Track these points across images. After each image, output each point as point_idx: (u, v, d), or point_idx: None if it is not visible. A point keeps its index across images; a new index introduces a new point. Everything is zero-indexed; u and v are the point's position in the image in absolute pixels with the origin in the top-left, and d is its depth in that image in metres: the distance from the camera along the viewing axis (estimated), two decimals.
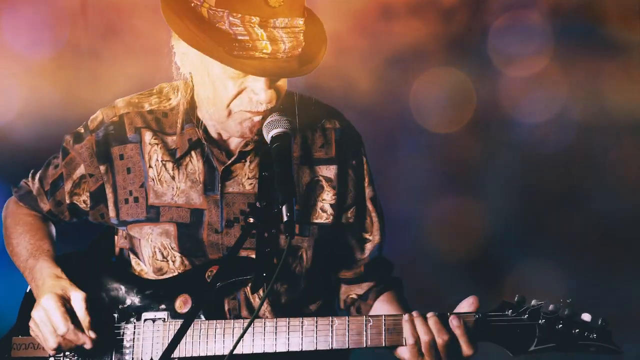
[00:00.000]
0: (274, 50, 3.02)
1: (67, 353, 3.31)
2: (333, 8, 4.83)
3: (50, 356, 3.32)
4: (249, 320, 3.08)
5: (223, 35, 3.00)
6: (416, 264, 4.80)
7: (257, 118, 3.15)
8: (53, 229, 3.52)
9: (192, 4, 3.04)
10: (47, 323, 3.19)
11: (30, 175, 3.54)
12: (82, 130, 3.40)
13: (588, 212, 4.92)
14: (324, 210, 3.31)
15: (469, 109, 4.97)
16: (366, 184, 3.38)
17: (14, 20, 4.79)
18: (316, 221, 3.31)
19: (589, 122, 4.88)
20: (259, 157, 3.28)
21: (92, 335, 3.20)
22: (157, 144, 3.32)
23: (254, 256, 3.23)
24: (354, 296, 3.43)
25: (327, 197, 3.32)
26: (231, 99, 3.12)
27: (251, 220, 3.13)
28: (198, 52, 3.06)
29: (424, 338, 3.04)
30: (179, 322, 3.19)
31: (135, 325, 3.26)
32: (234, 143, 3.29)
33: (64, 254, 3.44)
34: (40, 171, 3.50)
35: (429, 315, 3.07)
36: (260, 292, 3.23)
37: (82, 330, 3.20)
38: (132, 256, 3.38)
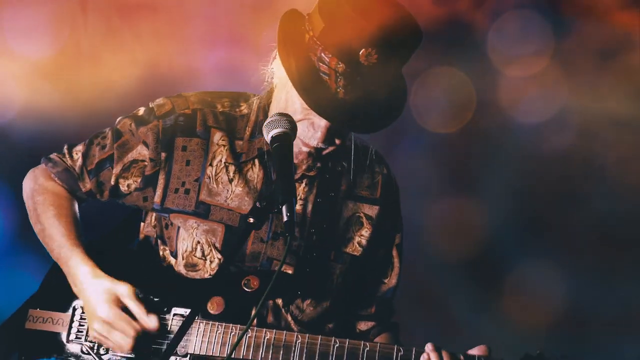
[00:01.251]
0: (345, 100, 3.16)
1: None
2: None
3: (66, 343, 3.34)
4: (274, 330, 3.24)
5: (309, 64, 3.16)
6: (416, 264, 4.80)
7: (305, 149, 3.30)
8: (78, 212, 3.49)
9: (303, 27, 3.20)
10: (114, 332, 3.24)
11: (65, 150, 3.49)
12: (146, 115, 3.43)
13: (588, 212, 4.92)
14: (360, 245, 3.48)
15: (469, 109, 4.97)
16: (397, 231, 3.59)
17: (14, 20, 4.79)
18: (351, 252, 3.46)
19: (589, 122, 4.88)
20: (317, 184, 3.41)
21: (153, 319, 3.25)
22: (225, 146, 3.40)
23: (291, 272, 3.35)
24: (357, 331, 3.58)
25: (365, 234, 3.48)
26: (295, 120, 3.20)
27: (251, 220, 3.14)
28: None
29: None
30: (209, 322, 3.27)
31: (165, 318, 3.30)
32: (299, 162, 3.39)
33: (89, 242, 3.42)
34: (80, 149, 3.47)
35: (444, 353, 3.20)
36: (290, 307, 3.38)
37: (144, 320, 3.25)
38: (160, 244, 3.42)
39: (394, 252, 3.57)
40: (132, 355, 3.30)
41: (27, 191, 3.51)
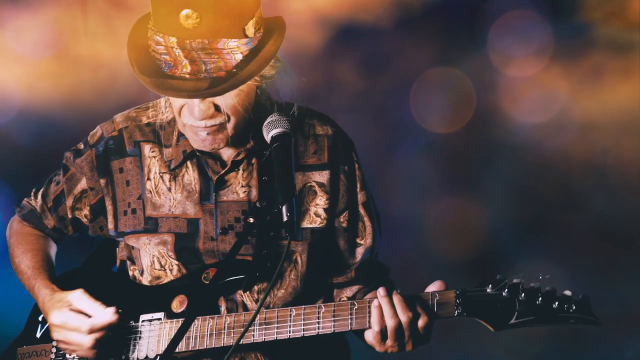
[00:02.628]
0: (194, 71, 3.06)
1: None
2: (334, 8, 4.83)
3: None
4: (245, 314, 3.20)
5: (150, 57, 3.10)
6: (416, 264, 4.80)
7: (203, 134, 3.19)
8: (53, 248, 3.57)
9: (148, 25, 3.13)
10: (69, 333, 3.25)
11: (32, 194, 3.58)
12: (82, 146, 3.47)
13: (588, 212, 4.92)
14: (317, 215, 3.36)
15: (469, 109, 4.97)
16: (358, 189, 3.41)
17: (15, 20, 4.79)
18: (310, 226, 3.35)
19: (589, 122, 4.88)
20: (256, 163, 3.32)
21: (109, 311, 3.24)
22: (155, 157, 3.38)
23: (250, 259, 3.28)
24: (344, 299, 3.46)
25: (321, 202, 3.36)
26: (178, 111, 3.20)
27: (251, 220, 3.14)
28: None
29: (389, 322, 3.10)
30: (175, 321, 3.27)
31: (132, 327, 3.31)
32: (227, 153, 3.33)
33: (63, 273, 3.50)
34: (42, 189, 3.55)
35: (395, 295, 3.12)
36: (255, 292, 3.29)
37: (99, 314, 3.25)
38: (131, 266, 3.43)
39: (362, 211, 3.41)
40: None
41: (7, 238, 3.61)
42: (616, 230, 4.90)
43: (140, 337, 3.29)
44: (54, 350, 3.39)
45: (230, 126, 3.20)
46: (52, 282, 3.40)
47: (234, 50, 3.09)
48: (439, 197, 4.98)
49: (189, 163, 3.34)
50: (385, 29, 4.95)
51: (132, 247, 3.39)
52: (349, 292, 3.44)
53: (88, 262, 3.58)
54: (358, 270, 3.44)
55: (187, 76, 3.07)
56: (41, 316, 3.45)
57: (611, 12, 4.89)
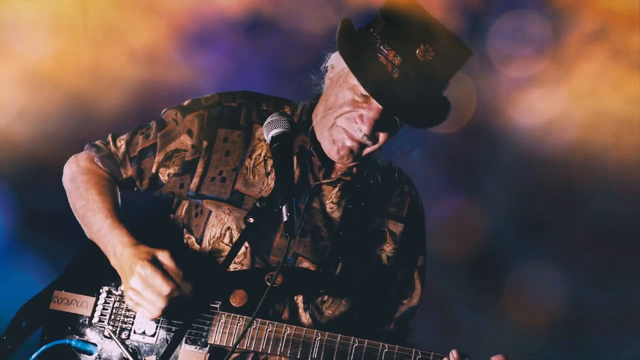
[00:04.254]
0: (397, 94, 3.27)
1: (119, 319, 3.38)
2: (335, 8, 4.83)
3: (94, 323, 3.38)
4: (291, 325, 3.30)
5: (370, 54, 3.27)
6: None
7: (349, 143, 3.36)
8: (119, 195, 3.55)
9: (364, 25, 3.34)
10: (149, 289, 3.25)
11: (110, 138, 3.56)
12: (192, 105, 3.51)
13: (588, 212, 4.92)
14: (380, 259, 3.53)
15: (469, 109, 4.96)
16: (419, 253, 3.65)
17: (15, 21, 4.79)
18: (373, 263, 3.52)
19: (589, 122, 4.88)
20: (351, 190, 3.48)
21: (189, 285, 3.27)
22: (266, 141, 3.40)
23: (314, 269, 3.40)
24: None
25: (387, 250, 3.54)
26: (342, 113, 3.33)
27: (251, 220, 3.15)
28: (342, 68, 3.35)
29: None
30: (229, 315, 3.30)
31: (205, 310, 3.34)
32: (337, 166, 3.46)
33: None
34: (125, 137, 3.54)
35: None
36: (310, 307, 3.42)
37: (180, 282, 3.28)
38: (186, 233, 3.46)
39: (415, 274, 3.63)
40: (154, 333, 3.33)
41: (68, 174, 3.56)
42: (616, 230, 4.90)
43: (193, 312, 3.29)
44: (99, 305, 3.37)
45: (367, 150, 3.40)
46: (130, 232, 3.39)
47: (428, 92, 3.36)
48: (439, 197, 4.98)
49: (295, 159, 3.42)
50: None
51: (196, 215, 3.43)
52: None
53: (143, 225, 3.57)
54: (397, 325, 3.61)
55: (387, 91, 3.27)
56: (104, 287, 3.42)
57: (611, 12, 4.89)
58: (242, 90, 3.55)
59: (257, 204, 3.14)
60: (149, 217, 3.62)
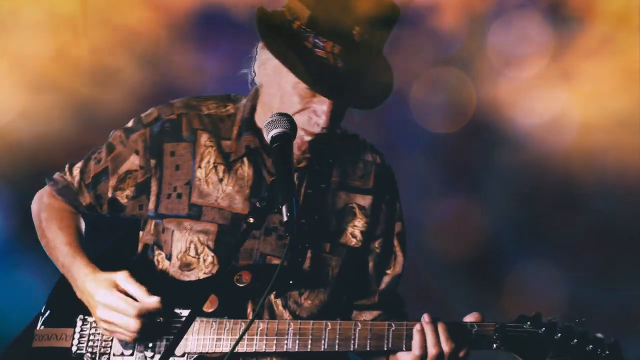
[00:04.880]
0: (346, 81, 3.22)
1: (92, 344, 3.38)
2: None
3: (72, 345, 3.39)
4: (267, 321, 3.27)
5: (305, 51, 3.22)
6: (416, 264, 4.79)
7: (307, 138, 3.32)
8: (83, 225, 3.58)
9: (285, 19, 3.26)
10: (117, 314, 3.27)
11: (66, 169, 3.58)
12: (134, 124, 3.50)
13: (588, 212, 4.92)
14: (353, 236, 3.47)
15: (469, 109, 4.97)
16: (395, 219, 3.57)
17: (15, 20, 4.79)
18: (345, 243, 3.45)
19: (589, 122, 4.88)
20: (308, 175, 3.43)
21: (155, 299, 3.28)
22: (212, 147, 3.43)
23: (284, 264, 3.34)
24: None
25: (359, 224, 3.47)
26: (293, 113, 3.24)
27: (251, 220, 3.14)
28: (276, 64, 3.27)
29: (431, 349, 3.18)
30: (203, 320, 3.29)
31: (174, 320, 3.34)
32: (300, 153, 3.40)
33: (91, 256, 3.49)
34: (79, 165, 3.56)
35: (439, 324, 3.20)
36: (277, 299, 3.37)
37: (145, 300, 3.28)
38: (156, 251, 3.45)
39: (395, 242, 3.56)
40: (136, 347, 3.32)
41: (34, 212, 3.62)
42: (616, 230, 4.90)
43: (168, 327, 3.32)
44: (76, 336, 3.40)
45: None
46: (92, 263, 3.40)
47: (373, 68, 3.30)
48: (439, 197, 4.98)
49: (245, 159, 3.40)
50: None
51: (163, 231, 3.42)
52: (369, 315, 3.53)
53: (113, 247, 3.58)
54: (382, 296, 3.54)
55: (340, 84, 3.22)
56: (42, 308, 3.45)
57: (611, 12, 4.89)
58: (180, 99, 3.52)
59: (257, 204, 3.14)
60: (121, 237, 3.61)
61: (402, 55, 4.97)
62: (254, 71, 3.38)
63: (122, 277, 3.31)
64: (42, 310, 3.50)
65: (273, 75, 3.32)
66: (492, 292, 4.88)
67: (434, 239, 4.93)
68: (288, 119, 3.18)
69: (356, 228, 3.47)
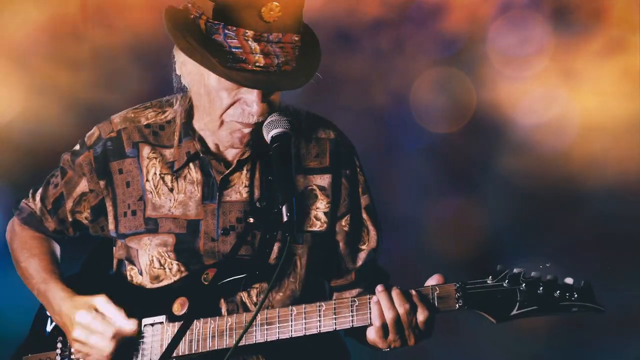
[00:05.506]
0: (267, 64, 3.09)
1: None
2: (333, 8, 4.83)
3: None
4: (245, 315, 3.19)
5: (218, 47, 3.09)
6: (416, 264, 4.80)
7: (247, 130, 3.21)
8: (57, 249, 3.57)
9: (192, 16, 3.13)
10: (93, 335, 3.25)
11: (30, 195, 3.57)
12: (79, 147, 3.47)
13: (588, 212, 4.92)
14: (317, 219, 3.36)
15: (469, 109, 4.97)
16: (360, 193, 3.43)
17: (15, 21, 4.79)
18: (310, 229, 3.35)
19: (589, 122, 4.88)
20: (259, 163, 3.32)
21: (132, 322, 3.26)
22: (156, 158, 3.37)
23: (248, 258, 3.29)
24: None
25: (321, 206, 3.36)
26: (224, 109, 3.18)
27: (251, 220, 3.14)
28: (195, 63, 3.14)
29: (387, 314, 3.09)
30: (177, 324, 3.25)
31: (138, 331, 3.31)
32: (231, 153, 3.33)
33: (69, 276, 3.50)
34: (40, 191, 3.54)
35: (393, 289, 3.11)
36: (254, 293, 3.29)
37: (122, 322, 3.27)
38: (129, 266, 3.42)
39: (364, 215, 3.42)
40: None
41: (8, 241, 3.61)
42: (616, 230, 4.90)
43: (143, 342, 3.29)
44: (57, 358, 3.40)
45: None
46: (65, 284, 3.39)
47: (296, 44, 3.15)
48: (439, 197, 4.98)
49: (191, 164, 3.34)
50: (385, 28, 4.95)
51: (131, 247, 3.39)
52: (349, 295, 3.42)
53: (86, 265, 3.58)
54: (359, 273, 3.43)
55: (259, 70, 3.10)
56: (49, 323, 3.46)
57: (611, 12, 4.89)
58: (118, 114, 3.44)
59: (257, 204, 3.13)
60: (95, 252, 3.59)
61: (402, 55, 4.97)
62: (176, 73, 3.28)
63: (101, 300, 3.29)
64: (28, 337, 3.50)
65: (195, 75, 3.21)
66: None
67: (434, 239, 4.93)
68: (288, 119, 3.17)
69: (319, 210, 3.35)
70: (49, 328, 3.45)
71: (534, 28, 4.90)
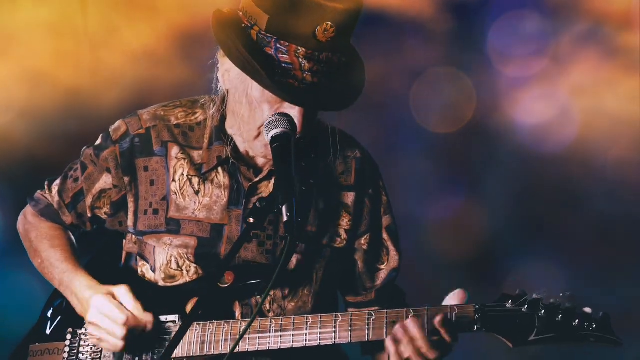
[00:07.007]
0: (314, 82, 3.12)
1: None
2: None
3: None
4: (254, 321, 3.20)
5: (268, 59, 3.10)
6: (416, 264, 4.80)
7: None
8: (74, 239, 3.56)
9: (243, 25, 3.14)
10: (106, 319, 3.26)
11: (45, 186, 3.56)
12: (102, 141, 3.45)
13: (588, 212, 4.92)
14: (338, 235, 3.39)
15: (469, 109, 4.97)
16: (382, 213, 3.47)
17: (15, 20, 4.79)
18: (330, 245, 3.38)
19: (589, 122, 4.88)
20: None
21: (149, 315, 3.27)
22: (184, 159, 3.37)
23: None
24: None
25: (343, 223, 3.40)
26: (264, 121, 3.19)
27: (251, 220, 3.14)
28: (240, 72, 3.15)
29: (404, 352, 3.10)
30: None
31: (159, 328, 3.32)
32: (262, 161, 3.35)
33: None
34: (58, 183, 3.52)
35: (409, 322, 3.11)
36: (268, 298, 3.32)
37: (138, 313, 3.28)
38: (140, 262, 3.43)
39: (385, 235, 3.47)
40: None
41: (21, 232, 3.61)
42: (616, 230, 4.90)
43: (165, 339, 3.30)
44: (66, 349, 3.39)
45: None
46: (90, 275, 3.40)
47: (343, 66, 3.18)
48: (439, 197, 4.98)
49: (219, 168, 3.34)
50: (385, 28, 4.95)
51: (146, 244, 3.38)
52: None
53: (96, 258, 3.58)
54: (379, 292, 3.47)
55: (305, 87, 3.11)
56: (50, 312, 3.45)
57: (611, 12, 4.89)
58: (149, 109, 3.44)
59: (257, 204, 3.13)
60: (106, 245, 3.60)
61: (402, 55, 4.98)
62: (218, 78, 3.29)
63: (122, 291, 3.30)
64: (49, 315, 3.50)
65: (238, 83, 3.22)
66: (492, 292, 4.88)
67: (434, 239, 4.93)
68: (288, 118, 3.17)
69: (341, 227, 3.39)
70: (48, 331, 3.45)
71: (533, 28, 4.90)
